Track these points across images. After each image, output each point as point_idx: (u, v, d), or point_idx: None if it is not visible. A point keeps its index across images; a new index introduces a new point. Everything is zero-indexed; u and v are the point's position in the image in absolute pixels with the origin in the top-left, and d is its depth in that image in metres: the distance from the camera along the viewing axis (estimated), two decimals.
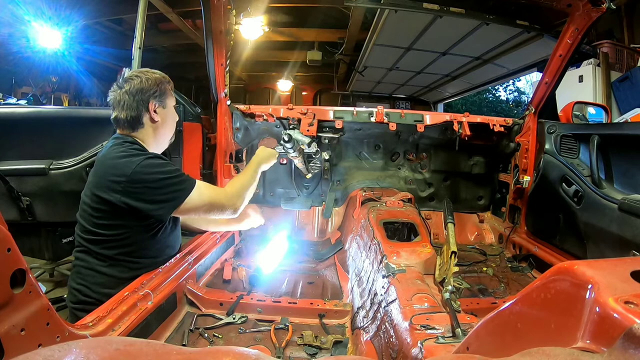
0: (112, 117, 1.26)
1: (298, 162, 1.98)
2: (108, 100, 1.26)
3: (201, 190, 1.24)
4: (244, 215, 1.69)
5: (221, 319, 1.35)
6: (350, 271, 1.68)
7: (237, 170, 2.09)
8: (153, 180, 1.14)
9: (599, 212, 1.51)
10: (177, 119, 1.41)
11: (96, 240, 1.17)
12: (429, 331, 0.91)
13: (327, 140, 2.24)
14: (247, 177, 1.48)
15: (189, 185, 1.20)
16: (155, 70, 1.33)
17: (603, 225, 1.48)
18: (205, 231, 1.72)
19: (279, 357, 1.16)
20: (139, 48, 2.46)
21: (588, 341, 0.38)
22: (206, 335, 1.26)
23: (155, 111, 1.27)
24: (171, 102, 1.35)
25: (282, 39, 6.08)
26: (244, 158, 2.20)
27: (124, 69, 1.29)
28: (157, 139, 1.31)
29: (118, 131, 1.28)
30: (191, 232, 1.84)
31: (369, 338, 1.17)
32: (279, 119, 2.11)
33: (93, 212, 1.16)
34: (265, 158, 1.59)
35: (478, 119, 2.13)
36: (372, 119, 2.08)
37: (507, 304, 0.53)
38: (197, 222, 1.62)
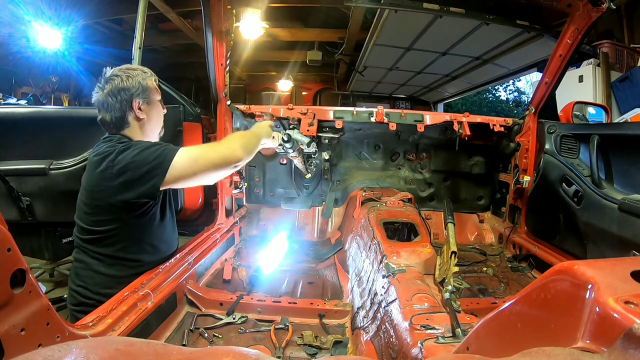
0: (98, 119, 1.25)
1: (298, 162, 1.98)
2: (92, 102, 1.25)
3: (187, 150, 1.17)
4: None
5: (221, 319, 1.35)
6: (350, 271, 1.68)
7: (238, 171, 2.09)
8: (134, 154, 1.12)
9: (599, 212, 1.51)
10: (165, 112, 1.37)
11: (93, 240, 1.17)
12: (429, 331, 0.91)
13: (327, 140, 2.24)
14: (246, 132, 1.42)
15: (171, 149, 1.15)
16: (137, 66, 1.30)
17: (603, 225, 1.48)
18: (208, 224, 1.70)
19: (279, 357, 1.16)
20: (139, 48, 2.46)
21: (588, 341, 0.38)
22: (206, 335, 1.26)
23: (139, 108, 1.25)
24: (155, 96, 1.31)
25: (282, 39, 6.08)
26: None
27: (105, 68, 1.26)
28: (144, 134, 1.29)
29: (107, 132, 1.27)
30: (191, 232, 1.84)
31: (369, 338, 1.17)
32: (279, 119, 2.11)
33: (88, 210, 1.17)
34: (263, 127, 1.51)
35: (478, 119, 2.13)
36: (372, 119, 2.08)
37: (507, 304, 0.52)
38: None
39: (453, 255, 1.26)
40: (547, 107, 2.01)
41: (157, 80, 1.34)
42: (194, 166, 1.15)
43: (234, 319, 1.35)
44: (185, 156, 1.14)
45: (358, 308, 1.35)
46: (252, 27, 4.48)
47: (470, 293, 1.63)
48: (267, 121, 1.63)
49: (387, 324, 1.07)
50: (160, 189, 1.14)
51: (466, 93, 7.24)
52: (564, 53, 1.75)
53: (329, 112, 2.12)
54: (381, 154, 2.42)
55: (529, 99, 2.16)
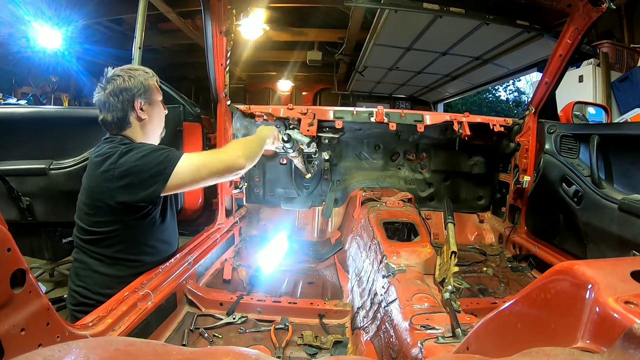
0: (100, 119, 1.24)
1: (298, 162, 1.98)
2: (94, 102, 1.25)
3: (190, 158, 1.16)
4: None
5: (221, 319, 1.35)
6: (350, 271, 1.68)
7: None
8: (137, 158, 1.12)
9: (599, 212, 1.51)
10: (166, 112, 1.37)
11: (93, 240, 1.17)
12: (429, 331, 0.91)
13: (327, 140, 2.24)
14: (249, 138, 1.43)
15: (175, 156, 1.14)
16: (138, 67, 1.31)
17: (603, 225, 1.48)
18: (208, 224, 1.69)
19: (279, 357, 1.16)
20: (139, 48, 2.46)
21: (588, 341, 0.38)
22: (206, 335, 1.26)
23: (141, 109, 1.24)
24: (157, 97, 1.31)
25: (282, 39, 6.08)
26: None
27: (106, 68, 1.25)
28: (146, 135, 1.29)
29: (108, 133, 1.27)
30: (191, 232, 1.84)
31: (369, 338, 1.17)
32: (279, 119, 2.11)
33: (89, 210, 1.16)
34: (267, 130, 1.52)
35: (478, 119, 2.13)
36: (372, 119, 2.08)
37: (507, 304, 0.52)
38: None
39: (453, 255, 1.26)
40: (547, 107, 2.01)
41: (158, 81, 1.34)
42: (195, 175, 1.15)
43: (234, 319, 1.35)
44: (187, 164, 1.14)
45: (358, 308, 1.35)
46: (252, 27, 4.49)
47: (470, 293, 1.63)
48: (270, 127, 1.60)
49: (387, 324, 1.07)
50: (161, 195, 1.14)
51: (466, 93, 7.25)
52: (564, 53, 1.75)
53: (329, 112, 2.12)
54: (381, 154, 2.43)
55: (529, 99, 2.16)
